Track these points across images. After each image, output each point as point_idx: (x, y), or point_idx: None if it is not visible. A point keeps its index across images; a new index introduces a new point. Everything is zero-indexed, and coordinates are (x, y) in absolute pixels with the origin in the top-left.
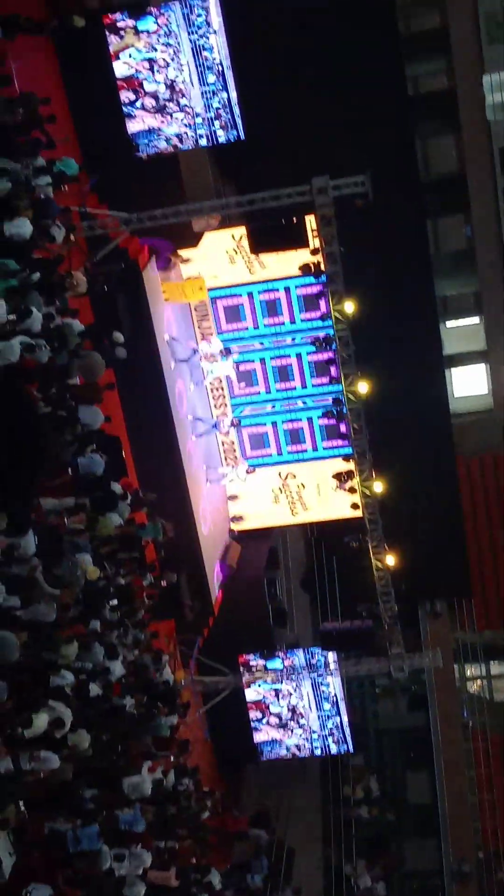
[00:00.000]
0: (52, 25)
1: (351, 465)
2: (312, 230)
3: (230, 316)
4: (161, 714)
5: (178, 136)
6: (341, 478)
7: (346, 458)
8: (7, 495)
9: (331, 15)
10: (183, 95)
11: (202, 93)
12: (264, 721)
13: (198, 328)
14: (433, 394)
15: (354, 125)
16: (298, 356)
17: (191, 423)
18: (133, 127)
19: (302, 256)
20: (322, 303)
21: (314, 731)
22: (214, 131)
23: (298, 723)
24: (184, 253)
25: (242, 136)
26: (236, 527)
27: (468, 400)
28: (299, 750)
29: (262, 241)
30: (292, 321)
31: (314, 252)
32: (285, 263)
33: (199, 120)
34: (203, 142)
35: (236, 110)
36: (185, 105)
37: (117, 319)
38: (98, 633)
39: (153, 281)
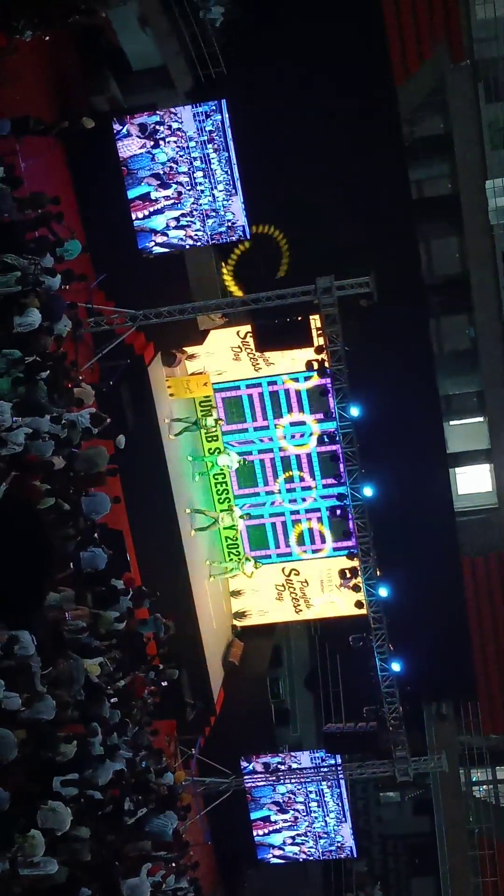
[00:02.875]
0: (62, 126)
1: (355, 563)
2: (317, 329)
3: (234, 412)
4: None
5: (185, 235)
6: (345, 575)
7: (351, 555)
8: (17, 594)
9: (337, 120)
10: (189, 195)
11: (209, 192)
12: (266, 824)
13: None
14: (437, 492)
15: (359, 227)
16: (303, 453)
17: (190, 516)
18: (141, 225)
19: (307, 354)
20: (326, 400)
21: (317, 835)
22: (221, 230)
23: (301, 826)
24: (189, 349)
25: (248, 236)
26: (239, 623)
27: (472, 497)
28: (301, 854)
29: (268, 339)
30: (297, 418)
31: (318, 350)
32: (290, 360)
33: (206, 220)
34: (209, 240)
35: (242, 211)
36: (192, 204)
37: (122, 414)
38: (97, 732)
39: (158, 376)
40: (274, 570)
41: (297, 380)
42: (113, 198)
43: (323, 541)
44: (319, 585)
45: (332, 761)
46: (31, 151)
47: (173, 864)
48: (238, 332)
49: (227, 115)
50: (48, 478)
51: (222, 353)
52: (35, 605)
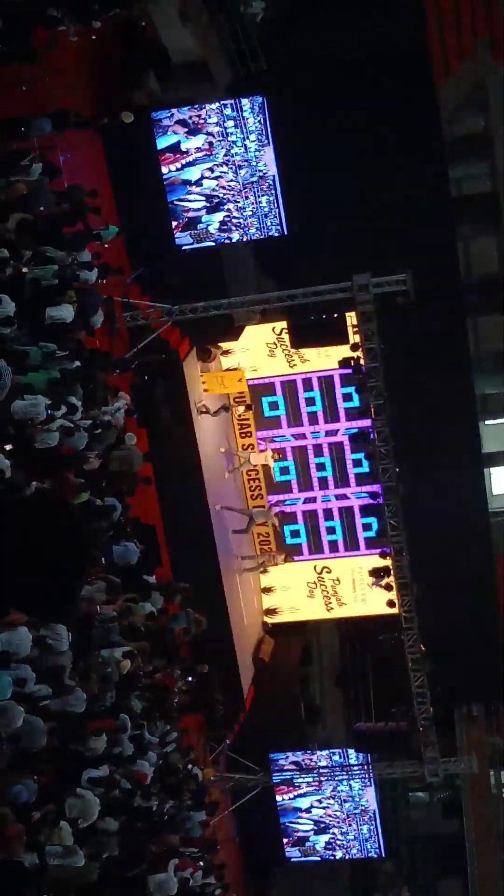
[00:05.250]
0: (101, 122)
1: (388, 562)
2: (353, 326)
3: (269, 408)
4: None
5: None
6: (377, 574)
7: (383, 554)
8: (51, 588)
9: (376, 117)
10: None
11: (246, 188)
12: (295, 822)
13: (236, 421)
14: (471, 491)
15: (397, 224)
16: (337, 451)
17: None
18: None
19: (342, 351)
20: (362, 397)
21: (345, 834)
22: (258, 226)
23: (329, 825)
24: (224, 345)
25: (285, 232)
26: (270, 620)
27: None
28: (329, 853)
29: (303, 336)
30: (331, 415)
31: (354, 348)
32: (325, 357)
33: (243, 214)
34: (246, 236)
35: (280, 206)
36: (229, 200)
37: (156, 409)
38: (126, 727)
39: (193, 371)
40: (306, 567)
41: (331, 377)
42: (151, 192)
43: (356, 539)
44: (351, 584)
45: (361, 760)
46: (70, 145)
47: (200, 862)
48: (273, 329)
49: (266, 111)
50: (82, 472)
51: (257, 350)
52: (69, 598)
